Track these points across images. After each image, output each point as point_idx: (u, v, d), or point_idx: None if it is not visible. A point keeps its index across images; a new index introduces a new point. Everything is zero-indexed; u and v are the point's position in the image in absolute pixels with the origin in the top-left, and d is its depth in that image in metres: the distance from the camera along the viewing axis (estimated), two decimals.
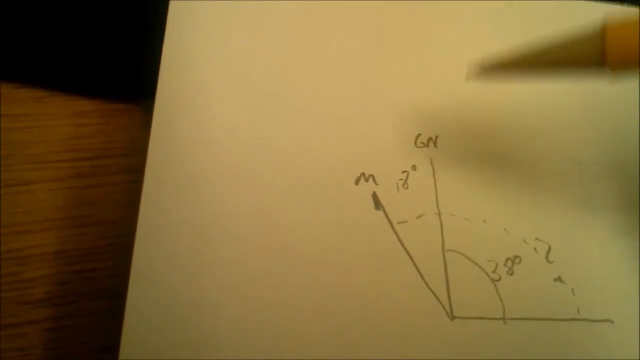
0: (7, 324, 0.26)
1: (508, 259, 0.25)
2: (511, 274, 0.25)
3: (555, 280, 0.25)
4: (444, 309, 0.24)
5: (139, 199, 0.25)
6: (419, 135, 0.26)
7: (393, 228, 0.25)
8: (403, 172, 0.26)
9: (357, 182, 0.26)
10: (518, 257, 0.25)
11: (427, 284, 0.24)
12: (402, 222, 0.25)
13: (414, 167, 0.26)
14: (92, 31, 0.28)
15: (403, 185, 0.25)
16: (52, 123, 0.28)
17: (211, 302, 0.24)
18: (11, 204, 0.27)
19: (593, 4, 0.28)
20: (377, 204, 0.25)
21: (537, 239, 0.25)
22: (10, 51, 0.28)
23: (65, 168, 0.28)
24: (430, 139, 0.26)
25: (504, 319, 0.24)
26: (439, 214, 0.25)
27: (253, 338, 0.24)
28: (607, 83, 0.22)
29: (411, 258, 0.25)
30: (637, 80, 0.26)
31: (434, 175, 0.26)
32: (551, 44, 0.21)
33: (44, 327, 0.26)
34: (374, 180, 0.25)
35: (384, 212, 0.25)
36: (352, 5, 0.27)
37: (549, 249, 0.25)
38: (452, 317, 0.24)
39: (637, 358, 0.24)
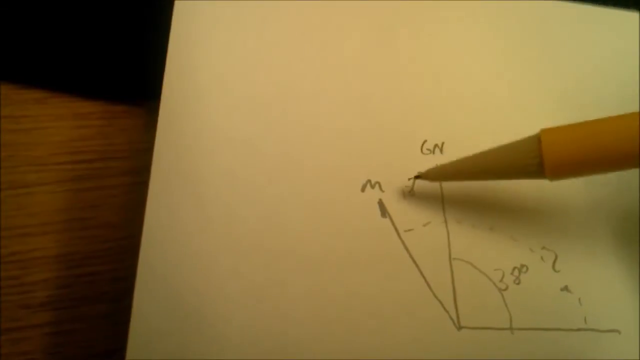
0: (8, 328, 0.26)
1: (515, 268, 0.25)
2: (518, 283, 0.25)
3: (562, 289, 0.25)
4: (451, 318, 0.24)
5: (141, 201, 0.25)
6: (425, 141, 0.26)
7: (399, 236, 0.25)
8: (409, 179, 0.25)
9: (363, 189, 0.25)
10: (525, 266, 0.25)
11: (433, 293, 0.24)
12: (409, 229, 0.25)
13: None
14: (95, 32, 0.28)
15: (409, 192, 0.25)
16: (53, 125, 0.28)
17: (217, 305, 0.24)
18: (12, 207, 0.27)
19: (591, 8, 0.28)
20: (384, 212, 0.25)
21: (543, 247, 0.25)
22: (12, 52, 0.28)
23: (67, 170, 0.28)
24: (436, 145, 0.26)
25: (511, 329, 0.24)
26: (446, 222, 0.25)
27: (259, 342, 0.24)
28: None
29: (417, 266, 0.25)
30: (637, 91, 0.26)
31: (440, 183, 0.25)
32: (490, 157, 0.23)
33: (45, 331, 0.26)
34: (380, 187, 0.25)
35: (390, 219, 0.25)
36: (358, 8, 0.27)
37: (556, 257, 0.25)
38: (459, 327, 0.24)
39: None
